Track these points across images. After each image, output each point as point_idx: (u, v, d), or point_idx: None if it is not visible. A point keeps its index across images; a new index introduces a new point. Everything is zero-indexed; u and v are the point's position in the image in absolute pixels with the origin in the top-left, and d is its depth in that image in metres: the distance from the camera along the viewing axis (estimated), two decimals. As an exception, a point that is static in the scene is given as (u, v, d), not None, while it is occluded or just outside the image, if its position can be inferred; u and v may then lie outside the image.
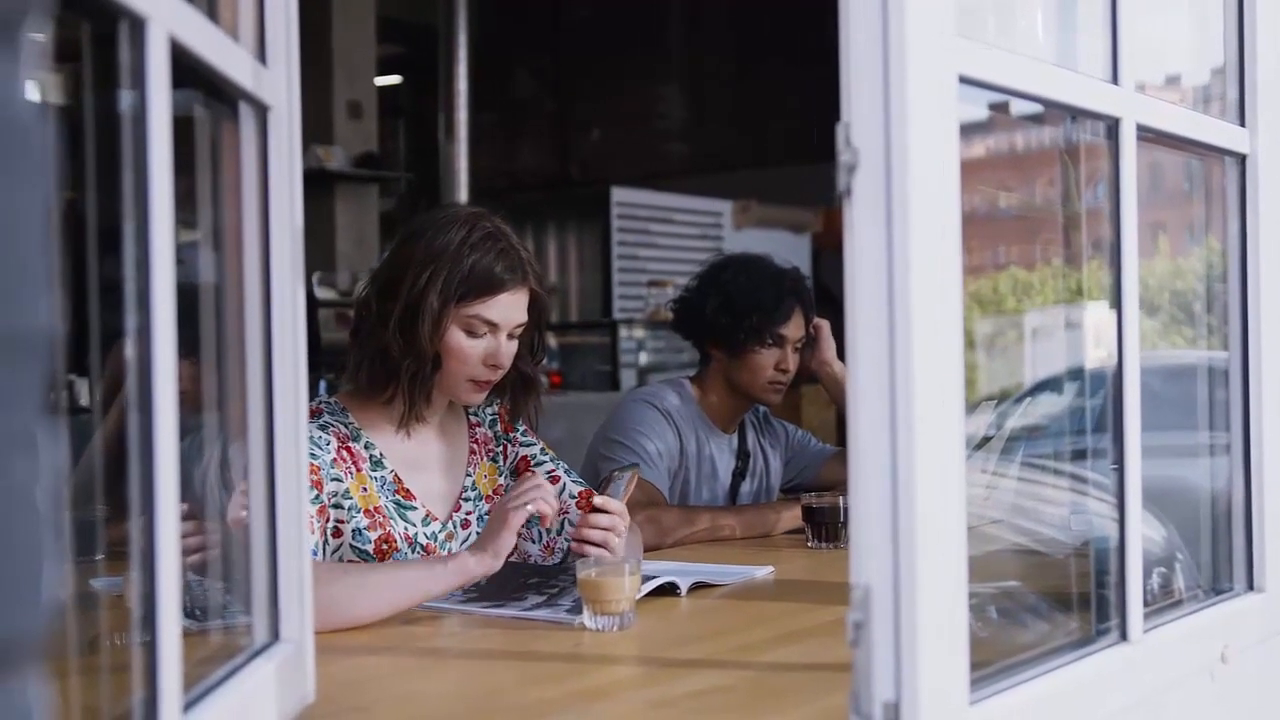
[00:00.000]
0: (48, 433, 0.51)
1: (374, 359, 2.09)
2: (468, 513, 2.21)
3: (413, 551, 2.09)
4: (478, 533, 2.17)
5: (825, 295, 4.62)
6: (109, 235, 0.96)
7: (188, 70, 1.05)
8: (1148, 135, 1.49)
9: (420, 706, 1.50)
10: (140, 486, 0.95)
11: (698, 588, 2.08)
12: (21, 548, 0.49)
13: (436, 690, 1.57)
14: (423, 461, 2.18)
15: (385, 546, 2.06)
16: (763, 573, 2.25)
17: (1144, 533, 1.47)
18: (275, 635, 1.31)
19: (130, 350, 0.95)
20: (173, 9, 0.99)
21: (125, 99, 0.96)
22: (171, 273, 0.97)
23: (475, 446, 2.26)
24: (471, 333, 2.08)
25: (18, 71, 0.49)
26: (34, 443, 0.50)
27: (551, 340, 7.24)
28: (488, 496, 2.24)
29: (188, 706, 1.02)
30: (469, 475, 2.23)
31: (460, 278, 2.05)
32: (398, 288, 2.06)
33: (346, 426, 2.11)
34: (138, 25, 0.94)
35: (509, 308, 2.09)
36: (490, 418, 2.30)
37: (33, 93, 0.50)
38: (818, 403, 6.03)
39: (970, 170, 1.19)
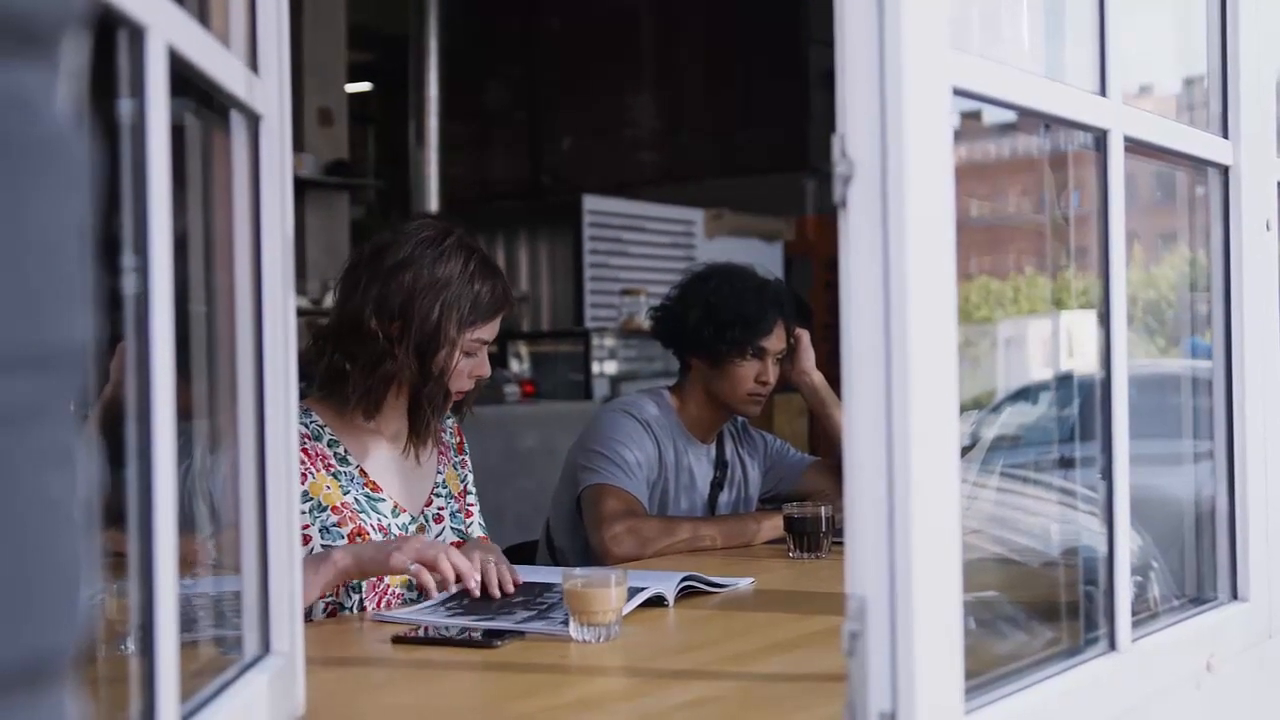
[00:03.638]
0: (82, 446, 0.51)
1: (383, 384, 2.12)
2: (439, 508, 2.28)
3: None
4: (451, 528, 2.27)
5: (797, 303, 4.61)
6: (101, 244, 0.95)
7: (182, 78, 1.04)
8: (1133, 146, 1.50)
9: None
10: (139, 499, 0.93)
11: (686, 593, 2.07)
12: (61, 562, 0.49)
13: (426, 703, 1.56)
14: (392, 460, 2.22)
15: (359, 540, 2.10)
16: (744, 584, 2.24)
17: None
18: (266, 648, 1.30)
19: (129, 358, 0.94)
20: (172, 18, 0.98)
21: (123, 107, 0.95)
22: (170, 282, 0.96)
23: (443, 448, 2.33)
24: (470, 354, 2.17)
25: (55, 85, 0.48)
26: (71, 457, 0.50)
27: (523, 349, 7.22)
28: (456, 496, 2.31)
29: (183, 721, 1.01)
30: (440, 473, 2.30)
31: (470, 306, 2.14)
32: (405, 316, 2.10)
33: (308, 426, 2.13)
34: (137, 34, 0.93)
35: (497, 326, 2.21)
36: (449, 428, 2.37)
37: (69, 106, 0.50)
38: (789, 411, 6.04)
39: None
